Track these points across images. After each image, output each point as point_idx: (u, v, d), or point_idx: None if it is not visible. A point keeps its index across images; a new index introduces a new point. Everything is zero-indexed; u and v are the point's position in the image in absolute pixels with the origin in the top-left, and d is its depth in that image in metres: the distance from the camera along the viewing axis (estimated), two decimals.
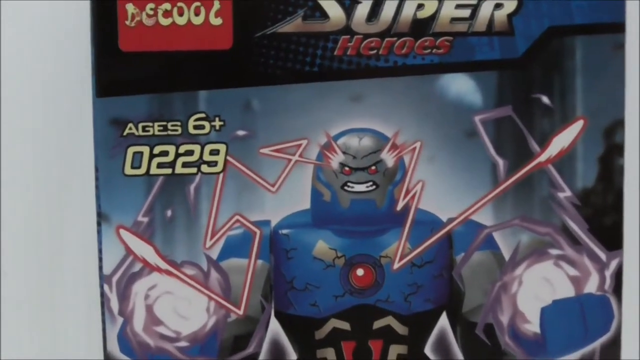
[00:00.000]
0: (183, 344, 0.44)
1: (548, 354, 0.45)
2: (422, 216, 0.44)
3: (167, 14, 0.42)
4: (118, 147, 0.43)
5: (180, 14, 0.42)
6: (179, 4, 0.42)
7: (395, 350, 0.44)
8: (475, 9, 0.42)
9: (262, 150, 0.43)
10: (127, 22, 0.42)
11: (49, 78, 0.50)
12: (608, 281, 0.44)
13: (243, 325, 0.44)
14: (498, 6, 0.42)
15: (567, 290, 0.44)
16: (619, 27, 0.43)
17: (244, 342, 0.44)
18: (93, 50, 0.43)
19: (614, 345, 0.45)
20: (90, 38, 0.43)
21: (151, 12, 0.42)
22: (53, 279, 0.51)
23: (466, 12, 0.42)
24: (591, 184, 0.44)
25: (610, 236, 0.44)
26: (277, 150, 0.43)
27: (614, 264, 0.44)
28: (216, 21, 0.42)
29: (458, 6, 0.42)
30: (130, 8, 0.42)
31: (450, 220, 0.44)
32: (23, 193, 0.51)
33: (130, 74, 0.43)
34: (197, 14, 0.42)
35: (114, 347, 0.44)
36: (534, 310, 0.44)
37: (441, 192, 0.44)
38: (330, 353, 0.44)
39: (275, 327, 0.45)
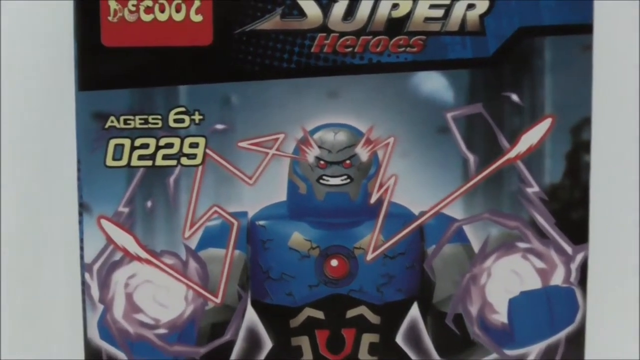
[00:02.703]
0: (162, 331, 0.44)
1: (515, 344, 0.45)
2: (394, 209, 0.44)
3: (149, 10, 0.42)
4: (100, 140, 0.43)
5: (162, 10, 0.42)
6: (161, 0, 0.42)
7: (367, 338, 0.44)
8: (448, 9, 0.42)
9: (240, 144, 0.43)
10: (110, 18, 0.42)
11: (32, 72, 0.49)
12: (574, 274, 0.44)
13: (220, 314, 0.44)
14: (470, 6, 0.42)
15: (534, 282, 0.44)
16: (587, 28, 0.43)
17: (221, 329, 0.44)
18: (76, 45, 0.42)
19: (579, 335, 0.45)
20: (74, 33, 0.42)
21: (133, 9, 0.42)
22: (35, 267, 0.51)
23: (439, 12, 0.42)
24: (558, 179, 0.44)
25: (577, 230, 0.44)
26: (254, 144, 0.43)
27: (579, 257, 0.44)
28: (197, 18, 0.42)
29: (432, 6, 0.42)
30: (112, 4, 0.42)
31: (422, 213, 0.44)
32: (6, 184, 0.50)
33: (112, 68, 0.43)
34: (178, 10, 0.42)
35: (94, 334, 0.44)
36: (502, 301, 0.45)
37: (413, 186, 0.44)
38: (304, 341, 0.44)
39: (251, 315, 0.45)
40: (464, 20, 0.42)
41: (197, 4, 0.42)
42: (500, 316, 0.44)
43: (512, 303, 0.44)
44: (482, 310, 0.44)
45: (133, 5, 0.42)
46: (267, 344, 0.45)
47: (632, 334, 0.53)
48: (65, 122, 0.44)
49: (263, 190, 0.44)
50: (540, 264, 0.44)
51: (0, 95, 0.50)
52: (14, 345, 0.51)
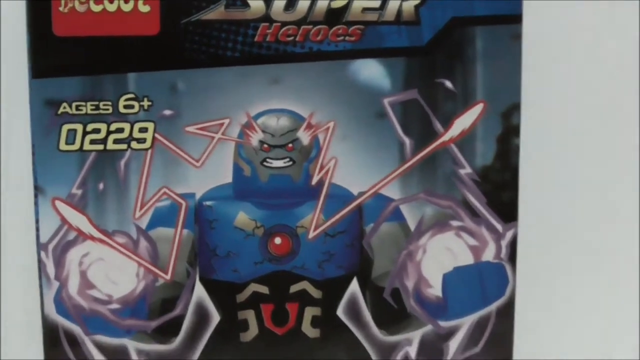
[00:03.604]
0: (115, 306, 0.44)
1: (449, 316, 0.46)
2: (335, 190, 0.45)
3: (99, 1, 0.42)
4: (53, 125, 0.43)
5: (111, 1, 0.42)
6: None
7: (310, 312, 0.45)
8: (385, 0, 0.43)
9: (187, 129, 0.43)
10: (61, 9, 0.42)
11: None
12: (504, 250, 0.45)
13: (170, 290, 0.45)
14: None
15: (466, 258, 0.45)
16: (516, 19, 0.44)
17: (171, 304, 0.45)
18: (28, 34, 0.42)
19: (509, 308, 0.46)
20: (26, 23, 0.42)
21: (83, 0, 0.42)
22: None
23: (376, 3, 0.43)
24: (490, 161, 0.45)
25: (506, 209, 0.45)
26: (201, 129, 0.43)
27: (509, 235, 0.45)
28: (144, 8, 0.42)
29: None
30: None
31: (361, 194, 0.44)
32: None
33: (63, 57, 0.43)
34: (126, 1, 0.42)
35: (50, 310, 0.44)
36: (436, 276, 0.46)
37: (353, 168, 0.44)
38: (250, 314, 0.45)
39: (200, 291, 0.45)
40: (399, 10, 0.43)
41: None
42: (435, 290, 0.45)
43: (446, 278, 0.45)
44: (417, 284, 0.45)
45: None
46: (215, 318, 0.45)
47: (560, 306, 0.55)
48: (20, 108, 0.43)
49: (210, 172, 0.44)
50: (472, 241, 0.45)
51: None
52: None
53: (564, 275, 0.54)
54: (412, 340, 0.46)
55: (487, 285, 0.46)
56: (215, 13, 0.42)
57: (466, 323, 0.46)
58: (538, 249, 0.50)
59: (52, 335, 0.45)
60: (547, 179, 0.51)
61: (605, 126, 0.53)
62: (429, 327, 0.46)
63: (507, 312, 0.46)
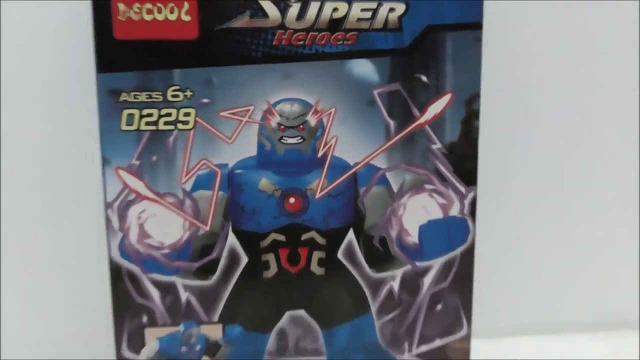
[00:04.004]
0: (166, 251, 0.47)
1: (424, 258, 0.49)
2: (336, 161, 0.47)
3: (150, 11, 0.44)
4: (115, 110, 0.44)
5: (159, 12, 0.44)
6: (158, 4, 0.44)
7: (317, 255, 0.48)
8: (375, 11, 0.45)
9: (221, 113, 0.45)
10: (120, 18, 0.44)
11: (64, 59, 0.51)
12: (466, 207, 0.48)
13: (209, 238, 0.47)
14: (391, 10, 0.45)
15: (437, 214, 0.48)
16: (477, 26, 0.45)
17: (209, 250, 0.47)
18: (94, 38, 0.44)
19: (470, 251, 0.49)
20: (92, 29, 0.44)
21: (137, 10, 0.43)
22: (72, 208, 0.53)
23: (368, 14, 0.45)
24: (456, 139, 0.47)
25: (468, 176, 0.48)
26: (232, 114, 0.45)
27: (470, 195, 0.48)
28: (186, 18, 0.44)
29: (362, 9, 0.45)
30: (121, 6, 0.43)
31: (356, 164, 0.47)
32: (49, 146, 0.52)
33: (123, 56, 0.44)
34: (172, 12, 0.44)
35: (115, 254, 0.46)
36: (414, 228, 0.48)
37: (349, 144, 0.46)
38: (271, 257, 0.48)
39: (232, 239, 0.47)
40: (386, 20, 0.45)
41: (186, 7, 0.44)
42: (413, 238, 0.48)
43: (421, 229, 0.48)
44: (399, 234, 0.48)
45: (137, 8, 0.43)
46: (244, 260, 0.48)
47: (509, 250, 0.58)
48: (89, 97, 0.45)
49: (239, 147, 0.46)
50: (441, 200, 0.48)
51: (43, 77, 0.51)
52: (55, 264, 0.53)
53: (513, 225, 0.57)
54: (395, 276, 0.48)
55: (453, 235, 0.48)
56: (242, 22, 0.44)
57: (437, 263, 0.48)
58: (493, 206, 0.52)
59: (116, 274, 0.47)
60: (500, 151, 0.54)
61: (546, 110, 0.56)
62: (408, 267, 0.48)
63: (468, 255, 0.49)
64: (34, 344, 0.53)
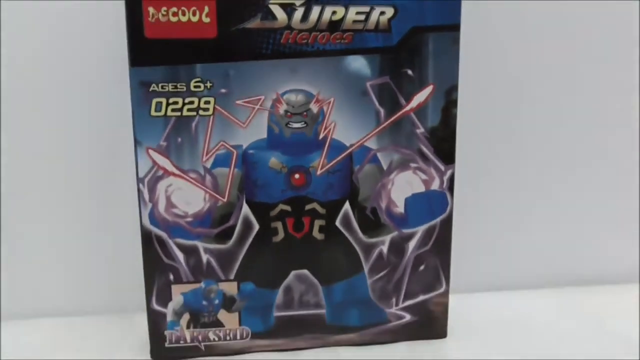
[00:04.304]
0: (189, 219, 0.49)
1: (409, 226, 0.51)
2: (334, 143, 0.49)
3: (175, 14, 0.45)
4: (146, 99, 0.46)
5: (184, 14, 0.46)
6: (183, 7, 0.45)
7: (318, 223, 0.50)
8: (368, 14, 0.47)
9: (237, 102, 0.47)
10: (149, 19, 0.45)
11: (103, 56, 0.53)
12: (445, 183, 0.50)
13: (226, 208, 0.49)
14: (382, 13, 0.47)
15: (420, 188, 0.50)
16: (456, 27, 0.47)
17: (227, 218, 0.49)
18: (128, 36, 0.46)
19: (448, 221, 0.51)
20: (126, 29, 0.46)
21: (165, 13, 0.45)
22: (108, 182, 0.55)
23: (362, 17, 0.47)
24: (437, 124, 0.49)
25: (447, 155, 0.50)
26: (246, 102, 0.47)
27: (449, 172, 0.50)
28: (206, 19, 0.46)
29: (357, 13, 0.47)
30: (151, 10, 0.45)
31: (351, 145, 0.49)
32: (89, 129, 0.54)
33: (152, 52, 0.46)
34: (194, 14, 0.46)
35: (146, 222, 0.49)
36: (400, 200, 0.50)
37: (346, 128, 0.48)
38: (279, 224, 0.50)
39: (246, 209, 0.49)
40: (377, 22, 0.47)
41: (206, 10, 0.45)
42: (400, 209, 0.50)
43: (407, 201, 0.50)
44: (388, 205, 0.50)
45: (164, 11, 0.45)
46: (256, 227, 0.49)
47: (481, 218, 0.59)
48: (124, 87, 0.47)
49: (251, 131, 0.48)
50: (424, 177, 0.50)
51: (86, 69, 0.53)
52: (97, 230, 0.55)
53: (486, 199, 0.58)
54: (385, 241, 0.50)
55: (434, 206, 0.50)
56: (254, 23, 0.46)
57: (420, 230, 0.50)
58: (468, 182, 0.54)
59: (147, 239, 0.49)
60: (474, 135, 0.55)
61: (518, 101, 0.57)
62: (395, 233, 0.50)
63: (447, 224, 0.51)
64: (78, 296, 0.56)
